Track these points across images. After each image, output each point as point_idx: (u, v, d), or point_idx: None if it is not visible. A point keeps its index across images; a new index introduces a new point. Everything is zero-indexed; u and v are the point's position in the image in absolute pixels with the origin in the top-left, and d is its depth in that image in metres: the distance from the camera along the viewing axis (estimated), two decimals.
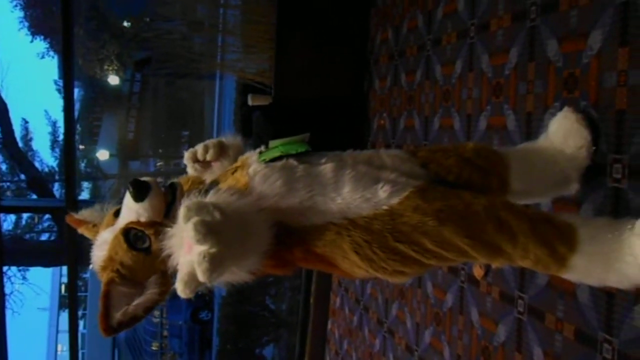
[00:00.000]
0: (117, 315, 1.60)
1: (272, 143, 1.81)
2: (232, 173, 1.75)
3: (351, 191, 1.67)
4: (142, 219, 1.64)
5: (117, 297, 1.62)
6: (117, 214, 1.72)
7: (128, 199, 1.64)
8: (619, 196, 2.06)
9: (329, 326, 5.73)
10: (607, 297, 2.07)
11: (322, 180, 1.69)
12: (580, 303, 2.20)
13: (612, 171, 2.09)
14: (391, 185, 1.69)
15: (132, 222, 1.65)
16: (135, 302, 1.63)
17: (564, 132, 2.08)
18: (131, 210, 1.65)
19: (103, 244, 1.68)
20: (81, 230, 1.89)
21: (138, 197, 1.62)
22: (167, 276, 1.66)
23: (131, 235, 1.64)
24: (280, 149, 1.75)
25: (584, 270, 1.67)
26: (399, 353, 4.03)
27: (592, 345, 2.14)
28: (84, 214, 1.92)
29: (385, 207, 1.67)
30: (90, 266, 1.74)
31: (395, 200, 1.67)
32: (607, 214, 2.09)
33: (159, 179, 1.88)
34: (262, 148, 1.81)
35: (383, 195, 1.67)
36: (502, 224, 1.65)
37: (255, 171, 1.69)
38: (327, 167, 1.70)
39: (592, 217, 1.74)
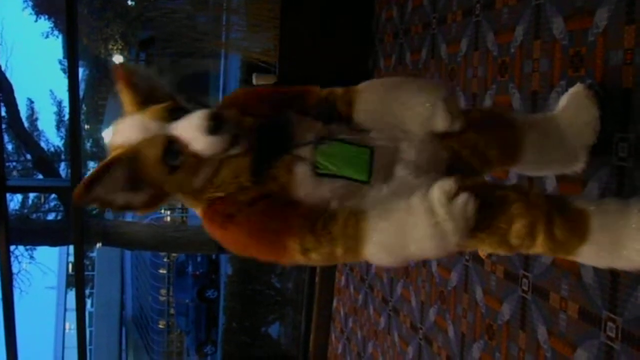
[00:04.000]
0: (99, 190, 1.55)
1: (331, 147, 1.69)
2: None
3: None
4: (193, 147, 1.56)
5: (111, 176, 1.56)
6: (172, 111, 1.61)
7: (197, 121, 1.54)
8: (625, 175, 2.06)
9: (335, 304, 5.75)
10: (612, 277, 2.07)
11: (357, 198, 1.67)
12: (584, 282, 2.21)
13: (617, 150, 2.08)
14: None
15: (181, 140, 1.57)
16: (119, 196, 1.59)
17: (573, 108, 2.06)
18: (192, 131, 1.55)
19: (142, 129, 1.59)
20: (122, 88, 1.71)
21: (209, 130, 1.53)
22: (163, 198, 1.65)
23: (171, 148, 1.57)
24: (339, 167, 1.66)
25: (592, 257, 1.67)
26: (404, 331, 4.05)
27: (596, 324, 2.14)
28: (139, 72, 1.74)
29: None
30: (105, 134, 1.65)
31: None
32: (612, 193, 2.09)
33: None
34: (320, 141, 1.69)
35: None
36: (514, 220, 1.61)
37: (302, 178, 1.64)
38: (363, 188, 1.67)
39: (604, 201, 1.71)
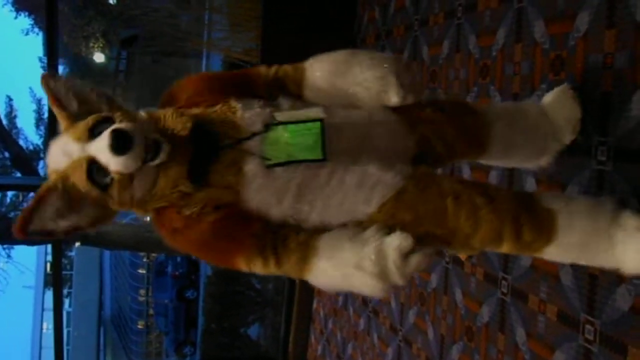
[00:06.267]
0: (37, 222, 1.51)
1: (278, 132, 1.58)
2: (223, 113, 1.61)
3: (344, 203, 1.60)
4: (111, 168, 1.48)
5: (48, 206, 1.52)
6: (93, 129, 1.52)
7: (104, 142, 1.46)
8: (604, 178, 2.06)
9: (314, 306, 5.74)
10: (590, 279, 2.08)
11: (316, 189, 1.58)
12: (563, 285, 2.22)
13: (597, 153, 2.09)
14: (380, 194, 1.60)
15: (100, 162, 1.49)
16: (62, 222, 1.55)
17: (558, 104, 2.08)
18: (104, 153, 1.46)
19: (65, 153, 1.53)
20: (55, 110, 1.61)
21: (116, 151, 1.44)
22: (110, 214, 1.60)
23: (95, 167, 1.50)
24: (290, 152, 1.56)
25: (558, 256, 1.68)
26: (383, 333, 4.05)
27: (575, 327, 2.15)
28: (65, 84, 1.62)
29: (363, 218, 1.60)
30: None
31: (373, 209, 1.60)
32: (591, 196, 2.10)
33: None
34: (268, 125, 1.59)
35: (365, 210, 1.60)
36: (481, 226, 1.59)
37: (253, 175, 1.54)
38: (322, 174, 1.58)
39: (573, 199, 1.72)
